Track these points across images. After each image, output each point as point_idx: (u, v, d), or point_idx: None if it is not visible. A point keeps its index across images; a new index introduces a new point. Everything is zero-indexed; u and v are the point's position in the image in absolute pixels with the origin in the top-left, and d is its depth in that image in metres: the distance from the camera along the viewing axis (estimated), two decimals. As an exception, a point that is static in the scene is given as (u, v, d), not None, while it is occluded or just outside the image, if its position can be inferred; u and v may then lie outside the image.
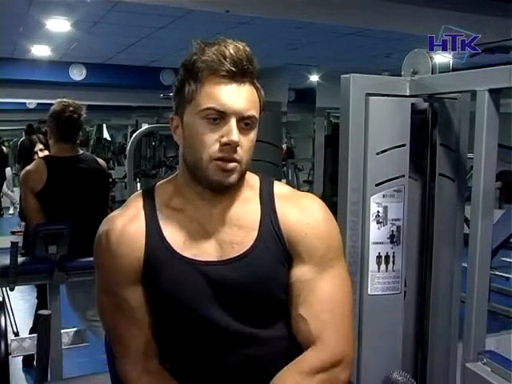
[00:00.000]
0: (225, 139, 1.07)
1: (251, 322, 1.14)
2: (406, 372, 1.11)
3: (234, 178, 1.11)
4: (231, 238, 1.14)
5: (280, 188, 1.22)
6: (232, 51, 1.07)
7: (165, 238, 1.14)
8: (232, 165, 1.09)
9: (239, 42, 1.10)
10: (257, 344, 1.14)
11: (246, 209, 1.17)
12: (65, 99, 2.90)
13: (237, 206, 1.17)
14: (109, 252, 1.14)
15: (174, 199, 1.17)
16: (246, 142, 1.10)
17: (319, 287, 1.15)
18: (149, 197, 1.19)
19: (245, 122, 1.09)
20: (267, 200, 1.18)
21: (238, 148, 1.08)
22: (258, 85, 1.13)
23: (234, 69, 1.07)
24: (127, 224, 1.15)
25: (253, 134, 1.12)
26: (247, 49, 1.10)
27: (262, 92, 1.14)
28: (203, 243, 1.14)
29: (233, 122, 1.07)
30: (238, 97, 1.08)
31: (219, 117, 1.07)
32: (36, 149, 3.54)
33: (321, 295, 1.14)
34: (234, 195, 1.16)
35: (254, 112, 1.10)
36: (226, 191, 1.14)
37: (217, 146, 1.08)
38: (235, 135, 1.07)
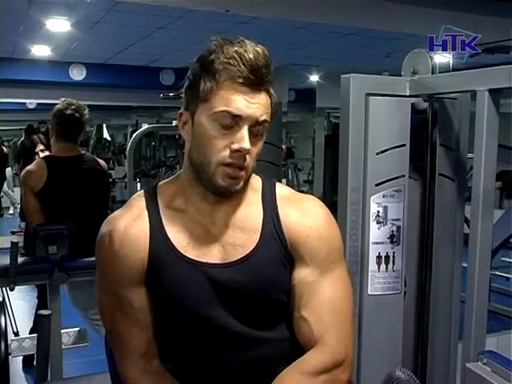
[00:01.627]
0: (236, 146, 1.06)
1: (253, 323, 1.14)
2: (408, 370, 1.11)
3: (240, 185, 1.11)
4: (234, 241, 1.14)
5: (282, 190, 1.22)
6: (252, 56, 1.05)
7: (169, 239, 1.13)
8: (240, 173, 1.09)
9: (259, 46, 1.08)
10: (259, 346, 1.14)
11: (249, 211, 1.17)
12: (69, 98, 2.91)
13: (240, 208, 1.17)
14: (111, 252, 1.13)
15: (176, 200, 1.17)
16: (254, 150, 1.10)
17: (321, 289, 1.15)
18: (151, 197, 1.18)
19: (257, 129, 1.08)
20: (269, 202, 1.18)
21: (247, 156, 1.08)
22: (272, 92, 1.11)
23: (252, 77, 1.05)
24: (130, 224, 1.14)
25: (261, 142, 1.12)
26: (266, 53, 1.08)
27: (275, 97, 1.13)
28: (207, 245, 1.14)
29: (245, 128, 1.06)
30: (253, 104, 1.07)
31: (233, 121, 1.06)
32: (37, 149, 3.55)
33: (323, 297, 1.15)
34: (237, 198, 1.16)
35: (267, 117, 1.09)
36: (230, 196, 1.14)
37: (227, 152, 1.07)
38: (247, 143, 1.06)
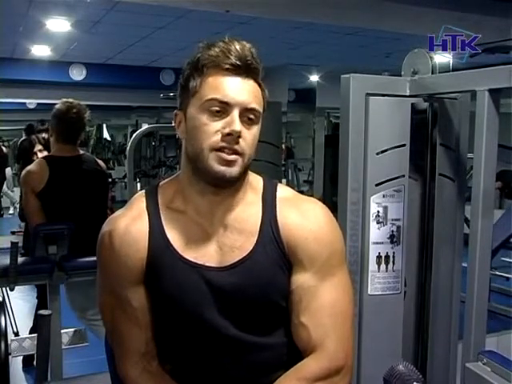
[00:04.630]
0: (227, 129, 1.06)
1: (250, 328, 1.13)
2: (411, 364, 1.10)
3: (235, 170, 1.09)
4: (232, 242, 1.13)
5: (283, 191, 1.20)
6: (237, 47, 1.08)
7: (168, 240, 1.13)
8: (233, 156, 1.07)
9: (245, 41, 1.10)
10: (256, 351, 1.14)
11: (248, 212, 1.16)
12: (70, 99, 2.90)
13: (239, 209, 1.16)
14: (112, 252, 1.13)
15: (176, 200, 1.17)
16: (248, 136, 1.09)
17: (321, 294, 1.13)
18: (152, 197, 1.18)
19: (248, 116, 1.08)
20: (269, 203, 1.17)
21: (241, 140, 1.07)
22: (261, 82, 1.12)
23: (238, 62, 1.07)
24: (130, 224, 1.14)
25: (256, 129, 1.11)
26: (252, 48, 1.10)
27: (266, 92, 1.13)
28: (205, 246, 1.14)
29: (235, 113, 1.07)
30: (241, 89, 1.08)
31: (222, 108, 1.07)
32: (35, 149, 3.54)
33: (322, 302, 1.13)
34: (236, 197, 1.15)
35: (257, 106, 1.09)
36: (227, 185, 1.12)
37: (219, 137, 1.07)
38: (237, 125, 1.06)
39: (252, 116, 1.09)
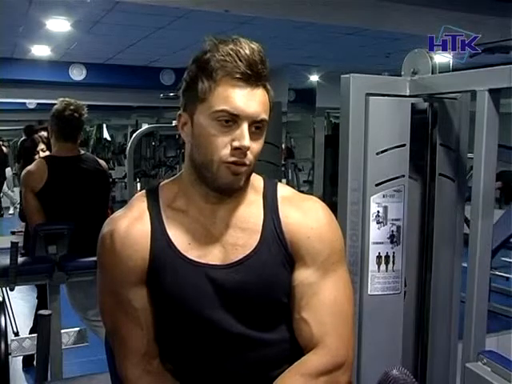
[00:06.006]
0: (236, 143, 1.06)
1: (254, 324, 1.14)
2: (405, 368, 1.11)
3: (242, 181, 1.11)
4: (235, 241, 1.14)
5: (284, 190, 1.22)
6: (247, 52, 1.06)
7: (170, 240, 1.13)
8: (243, 169, 1.09)
9: (253, 43, 1.08)
10: (259, 347, 1.14)
11: (250, 211, 1.17)
12: (67, 98, 2.91)
13: (241, 208, 1.16)
14: (113, 253, 1.13)
15: (178, 200, 1.17)
16: (255, 146, 1.09)
17: (322, 291, 1.15)
18: (153, 197, 1.18)
19: (256, 126, 1.09)
20: (271, 203, 1.18)
21: (248, 152, 1.08)
22: (269, 87, 1.12)
23: (249, 71, 1.06)
24: (132, 225, 1.14)
25: (262, 138, 1.12)
26: (261, 49, 1.09)
27: (272, 93, 1.13)
28: (208, 246, 1.14)
29: (245, 126, 1.07)
30: (251, 101, 1.07)
31: (232, 119, 1.07)
32: (38, 148, 3.55)
33: (324, 299, 1.14)
34: (238, 198, 1.16)
35: (265, 115, 1.10)
36: (232, 194, 1.13)
37: (228, 150, 1.07)
38: (247, 140, 1.06)
39: (260, 126, 1.09)
